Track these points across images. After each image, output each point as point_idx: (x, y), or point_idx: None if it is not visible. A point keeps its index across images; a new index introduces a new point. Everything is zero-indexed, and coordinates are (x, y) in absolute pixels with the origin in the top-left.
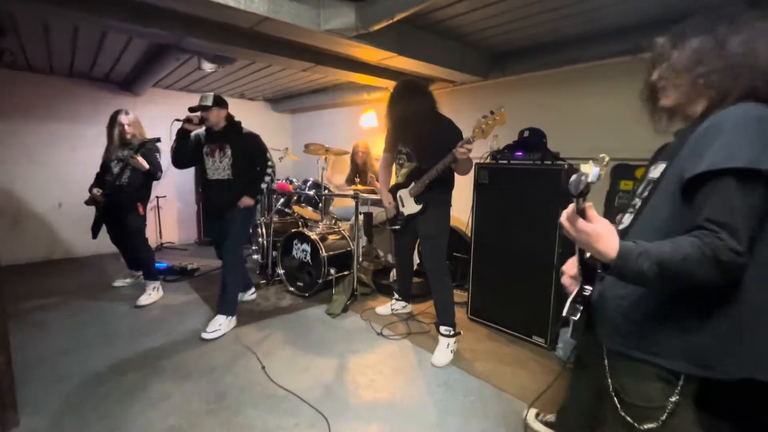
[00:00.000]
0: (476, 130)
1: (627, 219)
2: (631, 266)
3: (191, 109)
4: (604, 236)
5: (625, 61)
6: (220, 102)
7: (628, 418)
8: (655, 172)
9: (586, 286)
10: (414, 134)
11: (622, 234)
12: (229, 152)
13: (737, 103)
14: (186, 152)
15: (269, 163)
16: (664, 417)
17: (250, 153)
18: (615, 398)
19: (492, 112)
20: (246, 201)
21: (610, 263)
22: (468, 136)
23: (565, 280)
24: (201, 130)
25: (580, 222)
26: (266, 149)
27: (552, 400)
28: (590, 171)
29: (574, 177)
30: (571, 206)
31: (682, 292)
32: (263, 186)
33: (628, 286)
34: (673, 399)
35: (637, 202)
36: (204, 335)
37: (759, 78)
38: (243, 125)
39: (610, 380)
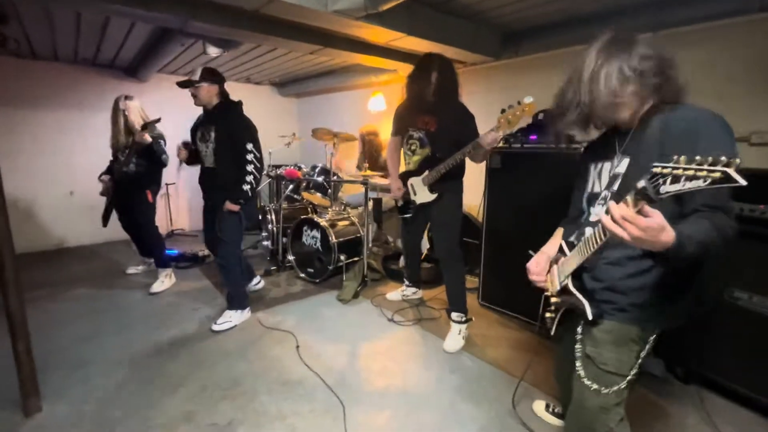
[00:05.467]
0: (501, 120)
1: (600, 210)
2: (686, 250)
3: (179, 84)
4: (666, 227)
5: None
6: (208, 76)
7: (595, 385)
8: (621, 167)
9: (571, 280)
10: (438, 110)
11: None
12: (212, 136)
13: (672, 105)
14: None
15: (249, 158)
16: (623, 384)
17: (234, 141)
18: (590, 364)
19: (519, 102)
20: (228, 206)
21: (668, 249)
22: (493, 126)
23: (539, 280)
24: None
25: (642, 219)
26: (250, 140)
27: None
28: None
29: (645, 181)
30: (625, 207)
31: (675, 272)
32: (246, 188)
33: (626, 270)
34: (642, 354)
35: (607, 194)
36: (214, 327)
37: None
38: (243, 108)
39: (588, 348)
